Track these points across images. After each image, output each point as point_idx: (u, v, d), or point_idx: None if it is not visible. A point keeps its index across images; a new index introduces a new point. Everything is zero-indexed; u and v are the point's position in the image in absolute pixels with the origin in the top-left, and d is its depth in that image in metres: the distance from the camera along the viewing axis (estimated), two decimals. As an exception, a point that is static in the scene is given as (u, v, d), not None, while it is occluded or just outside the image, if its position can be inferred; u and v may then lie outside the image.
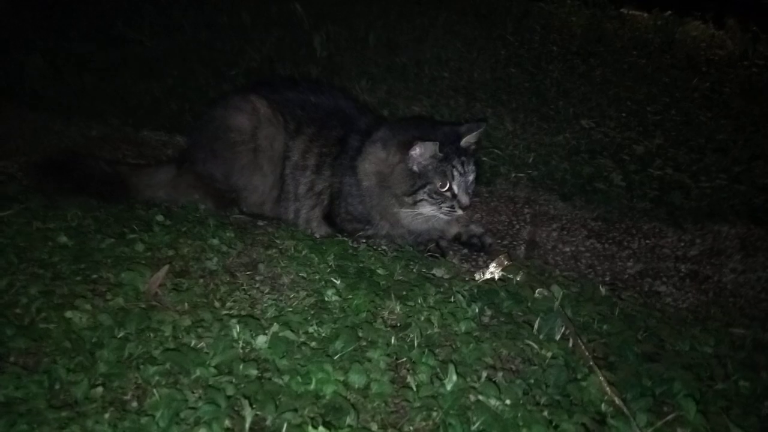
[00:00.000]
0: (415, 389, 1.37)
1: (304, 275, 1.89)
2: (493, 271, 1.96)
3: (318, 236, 2.25)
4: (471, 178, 2.12)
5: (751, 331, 1.76)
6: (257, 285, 1.82)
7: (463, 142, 2.13)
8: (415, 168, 2.08)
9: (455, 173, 2.07)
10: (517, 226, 2.55)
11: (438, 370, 1.44)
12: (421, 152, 2.05)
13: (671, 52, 4.89)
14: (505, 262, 1.98)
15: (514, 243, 2.42)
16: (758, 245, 2.47)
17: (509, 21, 5.20)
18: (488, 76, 4.08)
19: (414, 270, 2.03)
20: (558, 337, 1.62)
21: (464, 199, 2.08)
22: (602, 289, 1.91)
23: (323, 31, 4.49)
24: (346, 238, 2.20)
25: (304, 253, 2.04)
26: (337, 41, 4.52)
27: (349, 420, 1.24)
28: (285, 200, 2.32)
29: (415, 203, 2.09)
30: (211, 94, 3.75)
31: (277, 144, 2.31)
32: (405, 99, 3.72)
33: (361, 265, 2.00)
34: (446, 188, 2.07)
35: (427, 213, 2.11)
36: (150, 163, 2.67)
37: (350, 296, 1.74)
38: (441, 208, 2.08)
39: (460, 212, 2.10)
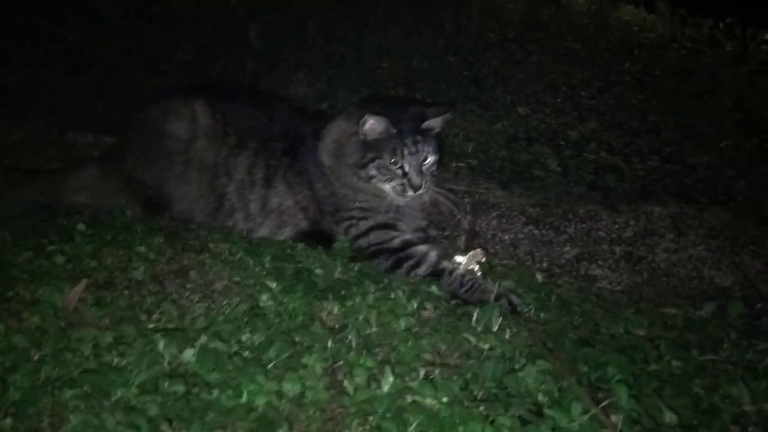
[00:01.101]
0: (351, 394, 1.34)
1: (238, 280, 1.82)
2: (466, 264, 1.93)
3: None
4: (428, 159, 2.04)
5: (682, 310, 1.81)
6: (187, 294, 1.74)
7: (425, 124, 2.07)
8: (367, 140, 2.02)
9: (405, 151, 2.00)
10: (458, 217, 2.54)
11: (376, 371, 1.41)
12: (371, 125, 2.00)
13: (605, 37, 5.01)
14: (481, 257, 1.96)
15: (455, 234, 2.41)
16: (690, 224, 2.55)
17: (447, 9, 5.20)
18: (427, 65, 4.06)
19: (354, 268, 1.99)
20: (495, 329, 1.61)
21: (415, 179, 2.00)
22: (539, 277, 1.92)
23: (259, 22, 4.37)
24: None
25: (238, 256, 1.97)
26: (274, 32, 4.42)
27: (281, 432, 1.20)
28: (230, 217, 2.21)
29: (368, 178, 2.03)
30: (141, 90, 3.60)
31: (210, 156, 2.21)
32: (345, 90, 3.67)
33: (299, 265, 1.95)
34: (397, 165, 2.01)
35: (388, 191, 2.04)
36: (68, 167, 2.52)
37: (286, 300, 1.69)
38: (394, 188, 2.03)
39: (411, 193, 2.02)
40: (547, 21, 5.26)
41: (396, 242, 2.00)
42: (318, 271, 1.89)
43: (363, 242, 2.03)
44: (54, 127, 3.13)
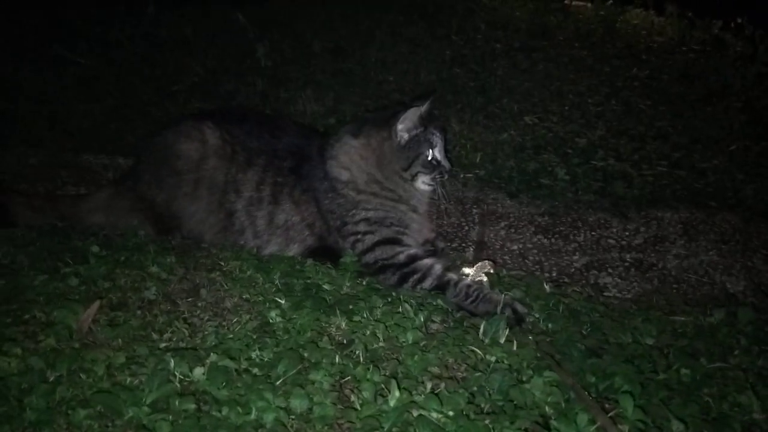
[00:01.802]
0: (358, 409, 1.35)
1: (248, 297, 1.86)
2: (474, 275, 1.96)
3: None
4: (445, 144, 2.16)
5: (692, 318, 1.80)
6: (198, 312, 1.77)
7: (424, 112, 2.12)
8: (403, 142, 2.09)
9: (435, 139, 2.09)
10: (466, 228, 2.55)
11: (383, 386, 1.42)
12: (406, 124, 2.07)
13: (612, 42, 5.00)
14: (489, 268, 1.98)
15: (463, 245, 2.42)
16: (700, 229, 2.54)
17: (454, 20, 5.24)
18: (433, 77, 4.09)
19: (363, 282, 2.01)
20: (503, 340, 1.62)
21: (446, 163, 2.12)
22: (547, 287, 1.92)
23: (267, 41, 4.44)
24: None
25: (248, 273, 2.01)
26: (282, 50, 4.48)
27: (289, 448, 1.21)
28: (239, 235, 2.24)
29: (412, 177, 2.10)
30: (153, 113, 3.67)
31: (220, 175, 2.25)
32: (352, 105, 3.71)
33: (308, 281, 1.97)
34: (431, 157, 2.09)
35: (421, 187, 2.12)
36: (85, 193, 2.58)
37: (295, 316, 1.71)
38: (434, 178, 2.10)
39: (446, 177, 2.13)
40: (553, 29, 5.27)
41: (401, 257, 2.01)
42: (326, 286, 1.92)
43: (369, 258, 2.04)
44: (69, 150, 3.20)
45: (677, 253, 2.36)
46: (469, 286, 1.86)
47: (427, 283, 1.93)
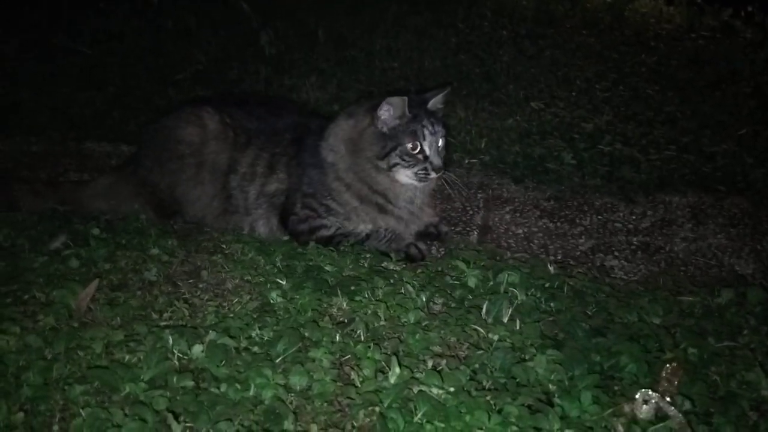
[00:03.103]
0: (358, 385, 1.33)
1: (249, 278, 1.84)
2: None
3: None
4: (441, 140, 2.06)
5: (699, 298, 1.76)
6: (199, 293, 1.76)
7: (431, 104, 2.09)
8: (384, 129, 2.03)
9: (425, 132, 2.01)
10: (471, 212, 2.52)
11: (383, 363, 1.40)
12: (388, 110, 2.01)
13: (620, 30, 4.93)
14: None
15: (468, 229, 2.39)
16: (708, 212, 2.50)
17: (459, 8, 5.19)
18: (438, 64, 4.05)
19: (365, 264, 1.99)
20: (506, 320, 1.60)
21: (436, 161, 2.02)
22: (551, 268, 1.89)
23: (271, 29, 4.42)
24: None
25: (250, 255, 1.99)
26: (286, 38, 4.45)
27: (287, 424, 1.20)
28: (235, 214, 2.24)
29: (389, 168, 2.03)
30: (156, 101, 3.65)
31: (222, 158, 2.24)
32: (356, 92, 3.67)
33: (310, 263, 1.96)
34: (417, 150, 2.01)
35: (403, 180, 2.05)
36: (87, 179, 2.58)
37: (296, 296, 1.70)
38: (416, 173, 2.02)
39: (434, 175, 2.03)
40: (560, 17, 5.21)
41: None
42: (328, 268, 1.90)
43: (302, 229, 2.12)
44: (71, 138, 3.20)
45: (685, 236, 2.32)
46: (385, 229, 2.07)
47: (350, 240, 2.09)
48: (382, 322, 1.58)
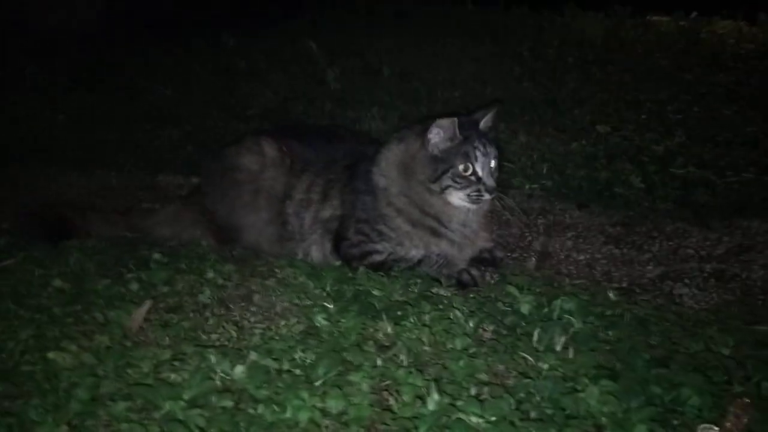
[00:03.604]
0: (396, 411, 1.29)
1: (298, 301, 1.85)
2: None
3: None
4: (493, 161, 2.03)
5: (778, 329, 1.60)
6: (249, 315, 1.78)
7: (482, 125, 2.07)
8: (436, 152, 2.02)
9: (477, 154, 1.99)
10: (530, 238, 2.44)
11: (423, 390, 1.35)
12: (439, 133, 2.00)
13: (696, 51, 4.72)
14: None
15: (525, 255, 2.31)
16: (794, 238, 2.29)
17: (525, 39, 5.15)
18: (501, 92, 4.01)
19: (414, 290, 1.95)
20: (558, 348, 1.51)
21: (489, 182, 2.00)
22: (611, 294, 1.78)
23: (337, 66, 4.55)
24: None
25: (301, 279, 2.01)
26: (351, 75, 4.57)
27: (319, 447, 1.17)
28: (290, 241, 2.27)
29: (442, 190, 2.01)
30: (227, 136, 3.82)
31: (278, 185, 2.30)
32: (417, 122, 3.69)
33: (359, 288, 1.94)
34: (470, 171, 1.99)
35: (456, 202, 2.02)
36: (155, 207, 2.71)
37: (341, 320, 1.68)
38: (469, 195, 2.00)
39: (487, 197, 2.00)
40: (631, 42, 5.06)
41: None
42: (376, 292, 1.87)
43: (353, 255, 2.11)
44: (146, 173, 3.38)
45: (764, 263, 2.13)
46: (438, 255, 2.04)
47: (402, 265, 2.05)
48: (426, 348, 1.53)
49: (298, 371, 1.46)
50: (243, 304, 1.88)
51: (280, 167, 2.30)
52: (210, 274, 2.02)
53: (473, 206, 2.04)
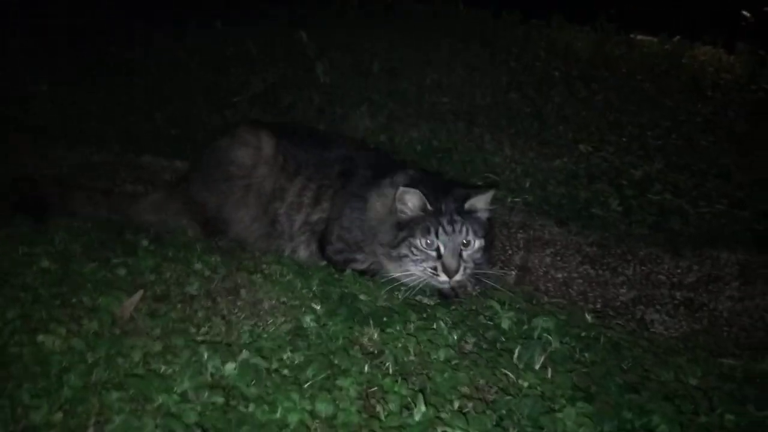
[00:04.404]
0: (383, 419, 1.34)
1: (285, 300, 1.87)
2: None
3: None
4: (468, 242, 1.91)
5: (742, 362, 1.70)
6: (236, 311, 1.80)
7: (468, 204, 1.95)
8: (402, 217, 1.96)
9: (440, 230, 1.89)
10: (510, 252, 2.51)
11: (409, 399, 1.40)
12: (405, 198, 1.94)
13: (677, 76, 4.87)
14: None
15: (506, 269, 2.38)
16: (758, 272, 2.41)
17: (513, 47, 5.23)
18: (489, 101, 4.08)
19: (399, 296, 2.00)
20: (537, 366, 1.57)
21: (450, 262, 1.87)
22: (588, 317, 1.86)
23: (326, 59, 4.55)
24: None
25: (288, 278, 2.03)
26: (341, 68, 4.57)
27: (310, 451, 1.21)
28: (278, 239, 2.30)
29: (399, 258, 1.94)
30: (213, 121, 3.80)
31: (268, 183, 2.31)
32: (405, 124, 3.74)
33: (345, 290, 1.98)
34: (432, 246, 1.90)
35: (414, 272, 1.93)
36: (141, 192, 2.69)
37: (329, 323, 1.72)
38: (425, 269, 1.90)
39: (444, 278, 1.88)
40: (616, 60, 5.18)
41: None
42: (362, 297, 1.91)
43: (335, 259, 2.15)
44: (130, 151, 3.34)
45: (731, 294, 2.25)
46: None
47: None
48: (412, 357, 1.58)
49: (286, 371, 1.49)
50: (230, 297, 1.89)
51: (273, 165, 2.31)
52: (197, 265, 2.03)
53: (434, 283, 1.93)
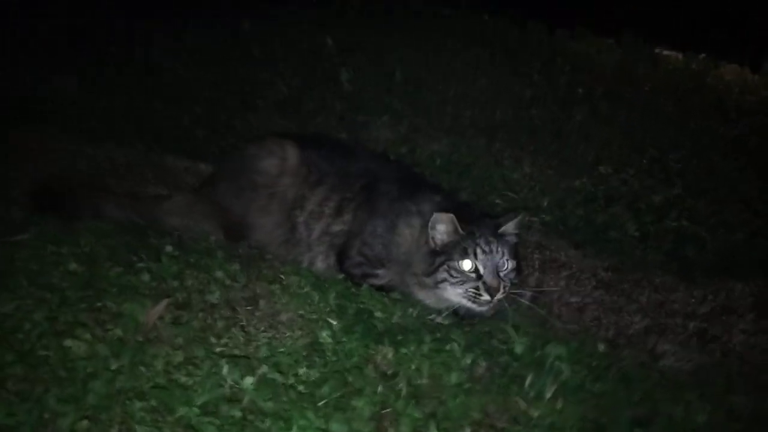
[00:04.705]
0: (395, 442, 1.37)
1: (303, 313, 1.92)
2: None
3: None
4: (504, 262, 1.97)
5: (752, 400, 1.71)
6: (255, 321, 1.85)
7: (501, 229, 2.02)
8: (435, 243, 2.00)
9: (478, 250, 1.93)
10: (525, 272, 2.53)
11: (421, 423, 1.44)
12: (437, 225, 1.99)
13: (701, 97, 4.84)
14: None
15: (520, 290, 2.40)
16: (773, 306, 2.41)
17: (538, 60, 5.23)
18: (510, 116, 4.09)
19: (414, 314, 2.03)
20: (548, 395, 1.60)
21: (492, 281, 1.91)
22: (601, 346, 1.88)
23: (351, 66, 4.58)
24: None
25: (306, 290, 2.07)
26: (365, 76, 4.60)
27: (323, 470, 1.25)
28: (297, 246, 2.35)
29: (436, 284, 1.96)
30: (236, 125, 3.85)
31: (291, 192, 2.36)
32: (426, 137, 3.75)
33: (361, 305, 2.02)
34: (470, 268, 1.94)
35: (451, 298, 1.97)
36: (166, 195, 2.75)
37: (344, 339, 1.76)
38: (466, 291, 1.93)
39: (487, 297, 1.91)
40: (640, 77, 5.17)
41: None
42: (378, 313, 1.95)
43: (353, 272, 2.17)
44: (155, 152, 3.40)
45: (744, 328, 2.25)
46: None
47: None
48: (425, 380, 1.61)
49: (302, 388, 1.54)
50: (249, 308, 1.94)
51: (297, 176, 2.36)
52: (218, 273, 2.08)
53: (474, 307, 1.95)
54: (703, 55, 5.88)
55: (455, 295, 1.96)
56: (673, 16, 6.50)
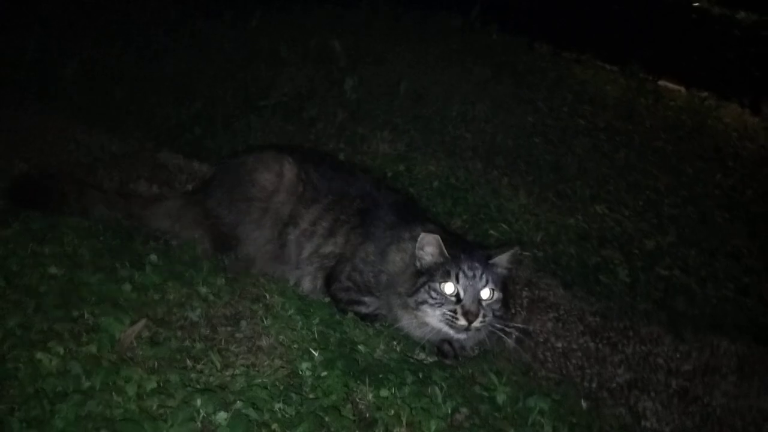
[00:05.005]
0: (367, 495, 1.34)
1: (283, 340, 1.87)
2: None
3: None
4: (487, 291, 1.93)
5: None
6: (234, 345, 1.80)
7: (492, 260, 2.00)
8: (421, 264, 1.98)
9: (461, 274, 1.91)
10: (513, 311, 2.50)
11: (396, 475, 1.40)
12: (425, 246, 1.97)
13: (700, 140, 4.85)
14: None
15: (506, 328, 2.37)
16: (756, 368, 2.40)
17: (543, 84, 5.22)
18: (511, 143, 4.06)
19: (397, 349, 1.99)
20: (527, 454, 1.57)
21: (470, 305, 1.87)
22: (584, 404, 1.85)
23: (356, 74, 4.54)
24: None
25: (289, 312, 2.03)
26: (368, 86, 4.56)
27: None
28: (285, 264, 2.30)
29: (417, 305, 1.94)
30: (236, 126, 3.79)
31: (285, 209, 2.32)
32: (424, 155, 3.72)
33: (344, 335, 1.98)
34: (452, 291, 1.92)
35: (430, 322, 1.94)
36: (157, 196, 2.69)
37: (325, 373, 1.72)
38: (444, 314, 1.90)
39: (463, 322, 1.87)
40: (642, 112, 5.17)
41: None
42: (361, 347, 1.91)
43: (341, 297, 2.15)
44: (149, 146, 3.34)
45: (726, 390, 2.23)
46: None
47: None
48: (403, 429, 1.58)
49: (276, 426, 1.49)
50: (230, 328, 1.90)
51: (293, 194, 2.31)
52: (201, 289, 2.04)
53: (450, 332, 1.92)
54: (705, 93, 5.92)
55: (434, 317, 1.92)
56: (677, 50, 6.53)
